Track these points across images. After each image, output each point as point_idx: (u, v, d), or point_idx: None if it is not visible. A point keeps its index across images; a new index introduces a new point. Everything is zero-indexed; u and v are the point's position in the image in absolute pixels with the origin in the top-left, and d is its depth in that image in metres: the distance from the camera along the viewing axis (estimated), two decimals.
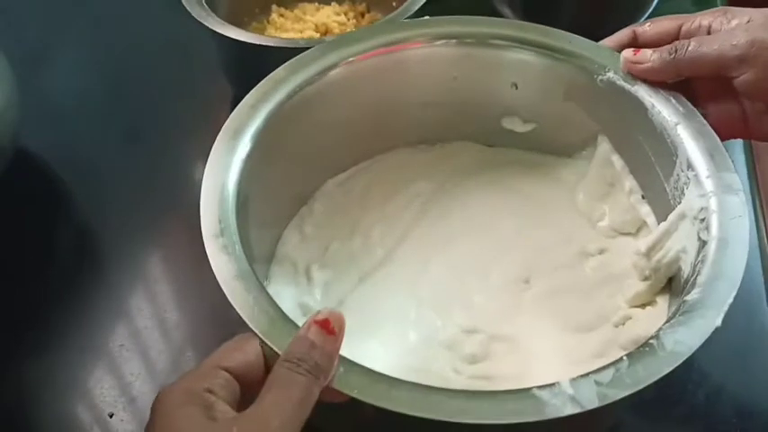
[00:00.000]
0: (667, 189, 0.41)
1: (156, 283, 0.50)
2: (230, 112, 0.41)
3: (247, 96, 0.42)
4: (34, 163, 0.59)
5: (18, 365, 0.47)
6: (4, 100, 0.51)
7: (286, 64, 0.44)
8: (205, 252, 0.35)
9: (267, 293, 0.34)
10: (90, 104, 0.65)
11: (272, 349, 0.31)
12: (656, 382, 0.30)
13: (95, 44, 0.71)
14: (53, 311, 0.49)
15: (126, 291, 0.50)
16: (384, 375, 0.31)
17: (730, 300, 0.33)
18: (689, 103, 0.41)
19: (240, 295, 0.33)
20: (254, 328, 0.32)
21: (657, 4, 0.65)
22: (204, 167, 0.39)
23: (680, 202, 0.39)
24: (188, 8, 0.56)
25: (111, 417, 0.43)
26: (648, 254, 0.41)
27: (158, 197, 0.57)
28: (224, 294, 0.48)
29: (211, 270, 0.34)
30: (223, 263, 0.35)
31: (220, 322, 0.48)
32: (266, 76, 0.43)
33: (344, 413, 0.38)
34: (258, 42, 0.54)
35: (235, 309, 0.33)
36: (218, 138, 0.40)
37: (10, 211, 0.55)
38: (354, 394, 0.30)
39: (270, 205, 0.43)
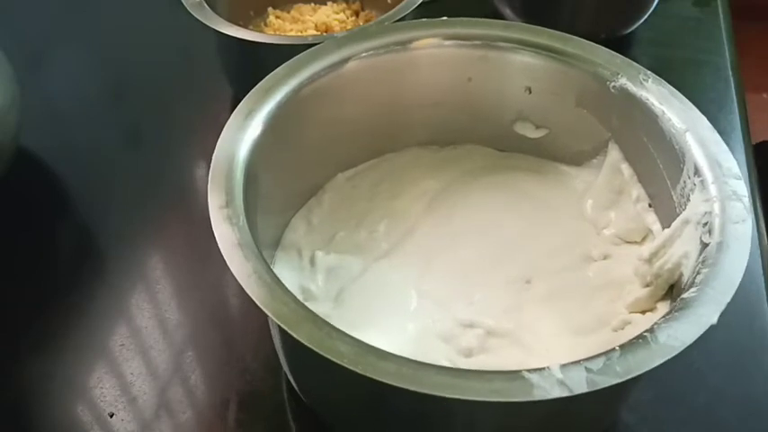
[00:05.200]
0: (674, 197, 0.41)
1: (156, 283, 0.50)
2: (230, 112, 0.41)
3: (261, 82, 0.43)
4: (34, 163, 0.59)
5: (18, 365, 0.47)
6: (5, 100, 0.51)
7: (301, 54, 0.45)
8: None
9: (266, 263, 0.34)
10: (90, 104, 0.65)
11: None
12: (644, 380, 0.30)
13: (95, 44, 0.71)
14: (53, 311, 0.49)
15: (126, 290, 0.50)
16: (374, 348, 0.31)
17: (728, 299, 0.33)
18: (698, 111, 0.41)
19: (239, 263, 0.34)
20: (251, 295, 0.32)
21: (657, 4, 0.65)
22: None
23: (685, 209, 0.39)
24: (188, 8, 0.56)
25: (111, 416, 0.43)
26: (651, 260, 0.41)
27: (159, 197, 0.57)
28: (224, 294, 0.49)
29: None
30: (226, 231, 0.35)
31: (221, 322, 0.48)
32: (267, 75, 0.43)
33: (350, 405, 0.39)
34: (262, 40, 0.54)
35: (236, 280, 0.33)
36: (231, 116, 0.41)
37: (10, 211, 0.55)
38: (344, 363, 0.30)
39: (278, 191, 0.44)
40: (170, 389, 0.45)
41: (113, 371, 0.46)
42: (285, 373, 0.42)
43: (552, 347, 0.40)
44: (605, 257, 0.45)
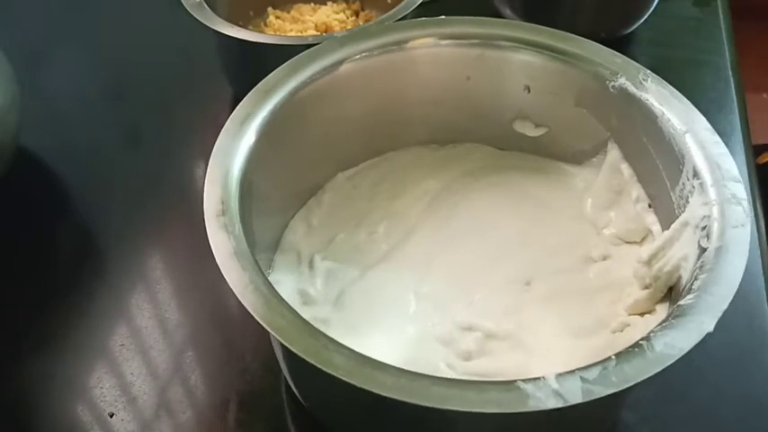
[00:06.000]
0: (673, 198, 0.41)
1: (156, 283, 0.50)
2: (230, 112, 0.41)
3: (259, 84, 0.43)
4: (34, 163, 0.59)
5: (18, 365, 0.47)
6: (5, 100, 0.51)
7: (300, 55, 0.44)
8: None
9: (262, 273, 0.34)
10: (90, 104, 0.65)
11: None
12: (643, 383, 0.30)
13: (95, 44, 0.71)
14: (53, 311, 0.49)
15: (126, 290, 0.50)
16: (370, 359, 0.31)
17: (725, 306, 0.32)
18: (698, 111, 0.41)
19: (235, 273, 0.34)
20: (247, 307, 0.32)
21: (657, 4, 0.65)
22: (204, 167, 0.39)
23: (684, 211, 0.39)
24: (188, 8, 0.56)
25: (111, 416, 0.43)
26: (650, 262, 0.41)
27: (159, 197, 0.57)
28: (224, 295, 0.49)
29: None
30: (221, 241, 0.35)
31: (220, 322, 0.48)
32: (267, 75, 0.43)
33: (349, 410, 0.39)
34: (262, 41, 0.54)
35: (232, 291, 0.33)
36: (227, 122, 0.40)
37: (10, 211, 0.55)
38: (340, 375, 0.30)
39: (277, 194, 0.44)
40: (170, 389, 0.45)
41: (113, 371, 0.46)
42: (285, 375, 0.42)
43: (552, 349, 0.40)
44: (605, 258, 0.44)
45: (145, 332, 0.47)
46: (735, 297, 0.33)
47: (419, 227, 0.46)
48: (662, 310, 0.40)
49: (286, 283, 0.42)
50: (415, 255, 0.45)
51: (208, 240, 0.35)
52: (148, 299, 0.49)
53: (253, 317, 0.32)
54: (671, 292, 0.40)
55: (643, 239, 0.45)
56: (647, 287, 0.41)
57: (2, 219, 0.54)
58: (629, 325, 0.40)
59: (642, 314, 0.41)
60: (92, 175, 0.58)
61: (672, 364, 0.31)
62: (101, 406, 0.44)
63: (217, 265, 0.34)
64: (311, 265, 0.44)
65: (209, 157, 0.39)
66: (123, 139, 0.62)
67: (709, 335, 0.31)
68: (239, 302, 0.33)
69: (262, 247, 0.39)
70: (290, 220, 0.46)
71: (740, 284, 0.33)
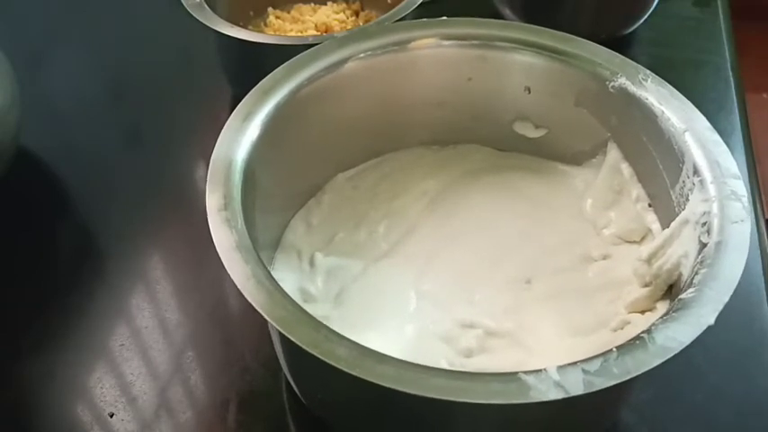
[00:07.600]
0: (673, 196, 0.41)
1: (156, 283, 0.50)
2: (230, 112, 0.41)
3: (259, 84, 0.43)
4: (34, 163, 0.59)
5: (18, 365, 0.47)
6: (5, 100, 0.51)
7: (300, 55, 0.45)
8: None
9: (265, 267, 0.34)
10: (90, 104, 0.65)
11: None
12: (643, 381, 0.30)
13: (95, 44, 0.71)
14: (53, 311, 0.49)
15: (126, 290, 0.50)
16: (372, 350, 0.31)
17: (726, 299, 0.33)
18: (697, 110, 0.41)
19: (237, 266, 0.34)
20: (249, 299, 0.32)
21: (657, 4, 0.65)
22: (204, 167, 0.39)
23: (684, 209, 0.39)
24: (188, 8, 0.56)
25: (111, 416, 0.43)
26: (650, 260, 0.41)
27: (158, 196, 0.57)
28: (224, 294, 0.49)
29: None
30: (224, 234, 0.35)
31: (221, 322, 0.48)
32: (267, 75, 0.43)
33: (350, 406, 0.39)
34: (262, 41, 0.54)
35: (236, 287, 0.33)
36: (230, 118, 0.41)
37: (10, 211, 0.55)
38: (341, 366, 0.30)
39: (278, 191, 0.44)
40: (170, 389, 0.45)
41: (113, 371, 0.46)
42: (285, 374, 0.42)
43: (552, 348, 0.40)
44: (605, 257, 0.45)
45: (145, 332, 0.47)
46: (735, 297, 0.33)
47: (419, 226, 0.47)
48: (662, 308, 0.40)
49: (286, 281, 0.42)
50: (416, 253, 0.45)
51: (208, 240, 0.35)
52: (148, 299, 0.49)
53: (253, 315, 0.32)
54: (671, 290, 0.40)
55: (643, 239, 0.45)
56: (647, 285, 0.41)
57: (2, 219, 0.54)
58: (629, 323, 0.40)
59: (642, 312, 0.41)
60: (92, 175, 0.58)
61: (672, 365, 0.31)
62: (101, 406, 0.44)
63: (217, 264, 0.34)
64: (312, 263, 0.44)
65: (209, 157, 0.39)
66: (123, 139, 0.62)
67: (709, 335, 0.31)
68: (239, 302, 0.33)
69: (262, 244, 0.39)
70: (290, 220, 0.47)
71: (740, 285, 0.33)
